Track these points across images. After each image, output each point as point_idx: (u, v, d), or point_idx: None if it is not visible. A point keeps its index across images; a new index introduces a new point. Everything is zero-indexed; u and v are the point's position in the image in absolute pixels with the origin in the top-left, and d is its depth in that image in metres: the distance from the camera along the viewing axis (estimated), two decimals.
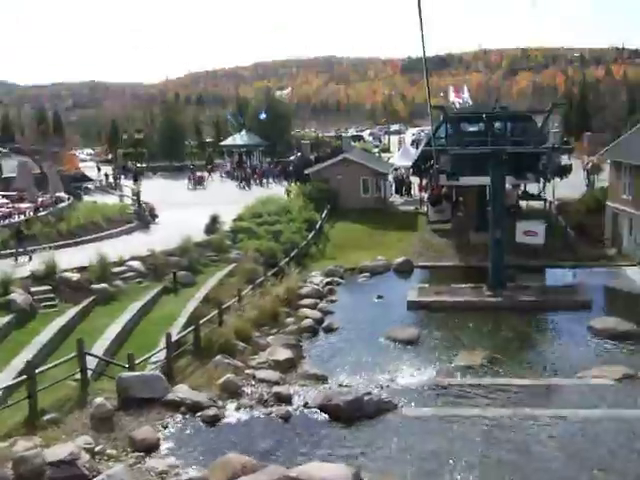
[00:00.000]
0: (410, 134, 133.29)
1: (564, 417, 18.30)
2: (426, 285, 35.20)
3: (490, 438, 17.07)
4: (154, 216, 43.85)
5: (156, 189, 56.21)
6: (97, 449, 15.45)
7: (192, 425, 17.54)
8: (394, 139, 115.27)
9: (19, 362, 19.60)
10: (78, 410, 17.62)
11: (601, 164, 51.05)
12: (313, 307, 31.58)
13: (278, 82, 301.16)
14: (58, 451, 14.24)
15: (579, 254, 40.61)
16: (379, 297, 34.24)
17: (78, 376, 18.82)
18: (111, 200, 53.12)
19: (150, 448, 15.96)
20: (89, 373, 19.07)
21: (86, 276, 27.77)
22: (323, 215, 47.73)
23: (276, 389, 20.69)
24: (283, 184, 62.76)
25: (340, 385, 21.27)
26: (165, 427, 17.31)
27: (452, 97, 67.14)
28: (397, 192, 58.86)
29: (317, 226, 44.83)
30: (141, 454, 15.61)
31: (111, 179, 67.99)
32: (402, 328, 28.63)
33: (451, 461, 15.75)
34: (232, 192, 60.38)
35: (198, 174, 69.65)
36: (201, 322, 23.77)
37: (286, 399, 19.82)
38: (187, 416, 17.95)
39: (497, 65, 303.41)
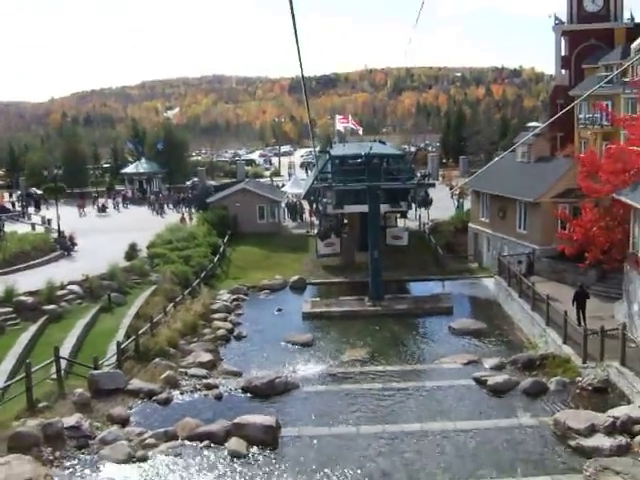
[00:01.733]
0: (299, 156, 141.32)
1: (421, 386, 26.06)
2: (318, 299, 42.75)
3: (366, 400, 24.58)
4: (74, 244, 49.47)
5: (63, 216, 60.45)
6: (87, 423, 21.95)
7: (150, 406, 24.22)
8: (284, 161, 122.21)
9: (5, 368, 25.74)
10: (61, 399, 23.88)
11: (466, 190, 59.93)
12: (224, 320, 38.48)
13: (166, 102, 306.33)
14: (66, 420, 20.77)
15: (447, 268, 49.08)
16: (279, 310, 41.56)
17: (54, 376, 25.13)
18: (21, 229, 56.51)
19: (124, 421, 22.51)
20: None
21: (37, 299, 33.85)
22: (225, 240, 54.59)
23: (205, 381, 27.53)
24: (180, 211, 69.03)
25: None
26: (131, 408, 23.89)
27: (339, 125, 75.24)
28: (290, 217, 66.37)
29: (221, 250, 51.62)
30: (119, 425, 22.17)
31: (18, 207, 72.53)
32: (299, 334, 35.97)
33: (339, 414, 23.10)
34: (138, 219, 65.78)
35: (101, 201, 75.23)
36: (139, 333, 30.35)
37: (215, 386, 26.70)
38: (145, 400, 24.61)
39: (382, 84, 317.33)
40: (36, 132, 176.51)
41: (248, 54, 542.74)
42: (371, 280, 41.63)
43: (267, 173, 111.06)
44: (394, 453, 19.14)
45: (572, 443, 19.16)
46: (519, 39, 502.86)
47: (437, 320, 38.58)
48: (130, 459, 19.02)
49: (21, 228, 57.63)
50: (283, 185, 79.55)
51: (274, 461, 19.01)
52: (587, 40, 77.51)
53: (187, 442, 20.21)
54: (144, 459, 19.07)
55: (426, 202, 43.74)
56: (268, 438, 20.06)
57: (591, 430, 19.56)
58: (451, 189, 69.88)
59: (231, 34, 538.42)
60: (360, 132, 78.86)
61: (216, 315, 39.00)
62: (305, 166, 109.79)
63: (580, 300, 32.40)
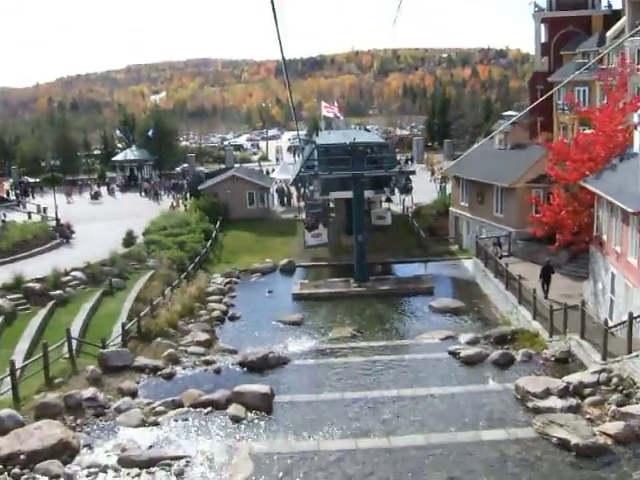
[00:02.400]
0: (286, 139, 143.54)
1: (400, 359, 28.94)
2: (306, 281, 45.61)
3: (351, 371, 27.41)
4: (72, 232, 52.01)
5: (58, 204, 62.45)
6: (101, 395, 24.69)
7: (156, 380, 26.95)
8: (272, 145, 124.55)
9: (21, 349, 28.44)
10: (75, 375, 26.58)
11: (448, 175, 62.68)
12: (219, 302, 41.29)
13: (152, 86, 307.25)
14: (84, 392, 23.52)
15: (429, 250, 51.95)
16: (270, 292, 44.39)
17: (66, 355, 27.82)
18: (18, 218, 58.40)
19: (133, 394, 25.22)
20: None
21: (44, 285, 36.50)
22: (217, 225, 57.28)
23: (204, 358, 30.29)
24: (172, 197, 71.66)
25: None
26: (138, 382, 26.61)
27: (324, 112, 77.64)
28: (279, 202, 69.08)
29: (213, 235, 54.30)
30: (129, 397, 24.90)
31: (12, 196, 74.98)
32: (289, 314, 38.85)
33: (326, 383, 25.97)
34: (131, 206, 68.44)
35: (95, 189, 77.80)
36: (141, 315, 33.07)
37: (213, 362, 29.46)
38: (151, 375, 27.34)
39: (369, 66, 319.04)
40: (22, 119, 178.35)
41: (233, 36, 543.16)
42: (356, 263, 44.42)
43: (255, 158, 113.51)
44: (374, 415, 22.00)
45: (529, 404, 22.01)
46: (505, 19, 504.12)
47: (418, 299, 41.49)
48: (143, 424, 21.76)
49: (18, 217, 59.48)
50: (273, 170, 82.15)
51: (269, 423, 21.83)
52: (566, 27, 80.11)
53: (192, 409, 22.95)
54: (156, 424, 21.83)
55: (407, 189, 46.56)
56: (264, 404, 22.88)
57: (547, 393, 22.41)
58: (432, 174, 72.75)
59: (216, 16, 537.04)
60: (341, 118, 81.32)
61: (211, 297, 41.77)
62: (293, 150, 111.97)
63: (546, 275, 35.81)
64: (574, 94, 67.09)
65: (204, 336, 33.99)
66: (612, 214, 32.89)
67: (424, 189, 63.49)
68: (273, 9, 11.30)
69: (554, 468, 17.78)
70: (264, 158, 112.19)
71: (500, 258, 41.59)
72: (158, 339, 32.12)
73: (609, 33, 71.03)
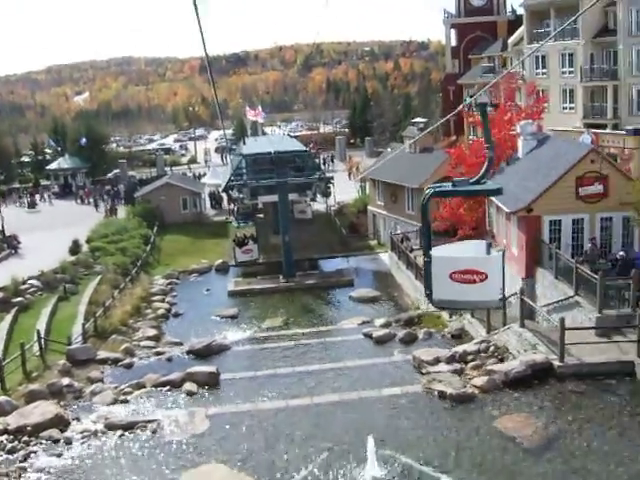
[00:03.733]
0: (214, 139, 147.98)
1: (323, 342, 35.12)
2: (240, 278, 51.52)
3: (282, 353, 33.49)
4: (18, 242, 56.53)
5: None
6: (76, 383, 30.08)
7: (118, 370, 32.46)
8: (200, 146, 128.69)
9: None
10: (48, 369, 31.90)
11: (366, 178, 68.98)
12: (162, 301, 46.84)
13: (75, 86, 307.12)
14: (62, 380, 28.98)
15: (351, 246, 58.26)
16: (207, 290, 50.16)
17: (37, 353, 33.03)
18: None
19: (100, 381, 30.72)
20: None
21: (6, 293, 41.49)
22: (154, 230, 62.48)
23: (155, 350, 35.90)
24: (106, 204, 75.94)
25: None
26: (102, 372, 32.06)
27: (250, 115, 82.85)
28: (211, 206, 74.58)
29: (151, 240, 59.54)
30: (98, 384, 30.32)
31: None
32: (226, 308, 44.65)
33: (262, 363, 31.94)
34: (69, 214, 72.53)
35: (31, 198, 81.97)
36: (97, 316, 38.43)
37: (164, 353, 35.09)
38: (113, 366, 32.85)
39: (292, 62, 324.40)
40: None
41: (155, 34, 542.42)
42: (284, 260, 50.43)
43: (184, 160, 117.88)
44: (301, 383, 28.13)
45: (423, 370, 28.28)
46: (426, 11, 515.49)
47: (341, 291, 47.76)
48: (115, 402, 27.38)
49: None
50: (204, 174, 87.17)
51: (218, 394, 27.79)
52: (473, 32, 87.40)
53: (154, 389, 28.65)
54: (126, 401, 27.48)
55: (327, 193, 52.93)
56: (212, 381, 28.78)
57: (437, 360, 28.71)
58: (350, 174, 79.46)
59: (136, 13, 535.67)
60: (262, 121, 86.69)
61: (155, 298, 47.31)
62: (221, 151, 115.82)
63: None
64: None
65: (153, 332, 39.54)
66: (498, 212, 39.57)
67: (346, 188, 69.86)
68: (195, 5, 11.10)
69: (434, 411, 24.12)
70: (193, 160, 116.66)
71: (410, 251, 47.99)
72: (113, 336, 37.53)
73: (510, 40, 78.27)
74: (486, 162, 11.36)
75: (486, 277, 10.99)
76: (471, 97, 12.38)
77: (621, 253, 32.35)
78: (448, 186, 11.27)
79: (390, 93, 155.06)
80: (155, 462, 21.98)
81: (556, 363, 25.92)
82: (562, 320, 26.20)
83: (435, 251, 11.30)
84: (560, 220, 34.38)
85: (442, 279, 11.11)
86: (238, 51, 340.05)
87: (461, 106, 13.53)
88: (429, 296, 11.44)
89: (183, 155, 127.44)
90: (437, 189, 11.45)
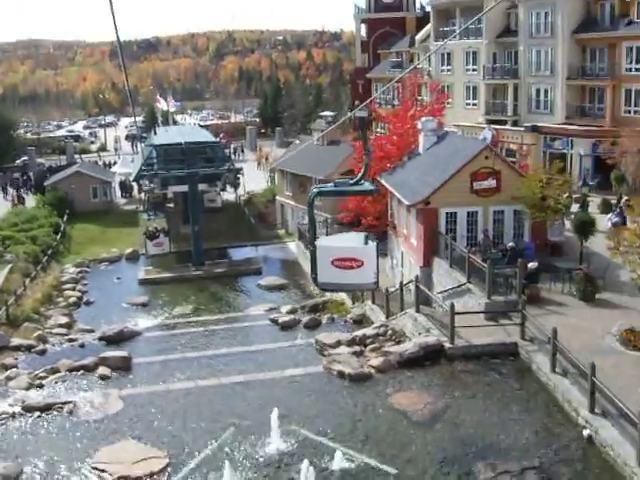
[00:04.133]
0: (124, 127, 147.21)
1: (231, 327, 36.89)
2: (150, 267, 52.63)
3: (191, 339, 35.12)
4: None
5: None
6: None
7: (32, 356, 33.39)
8: (110, 134, 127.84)
9: None
10: None
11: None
12: (73, 289, 47.67)
13: None
14: None
15: (260, 235, 60.03)
16: (118, 278, 51.22)
17: None
18: None
19: (14, 367, 31.67)
20: None
21: None
22: (64, 219, 62.86)
23: (67, 337, 36.95)
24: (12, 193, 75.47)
25: None
26: (16, 359, 32.94)
27: (164, 105, 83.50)
28: (122, 195, 75.10)
29: (62, 229, 59.97)
30: (12, 370, 31.25)
31: None
32: (137, 296, 45.92)
33: (171, 348, 33.48)
34: None
35: None
36: (8, 304, 39.15)
37: (76, 339, 36.19)
38: (26, 352, 33.78)
39: (205, 49, 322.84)
40: None
41: (64, 16, 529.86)
42: (193, 249, 51.85)
43: (94, 148, 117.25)
44: (209, 366, 29.80)
45: (325, 352, 30.31)
46: (339, 2, 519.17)
47: (249, 279, 49.54)
48: (31, 386, 28.40)
49: None
50: (114, 163, 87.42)
51: (131, 377, 29.18)
52: (383, 27, 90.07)
53: (68, 373, 29.76)
54: (41, 386, 28.54)
55: (235, 184, 54.65)
56: (124, 365, 30.15)
57: (338, 343, 30.73)
58: (259, 164, 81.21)
59: None
60: (173, 109, 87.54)
61: (66, 286, 48.11)
62: (131, 138, 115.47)
63: None
64: (390, 89, 76.59)
65: (64, 319, 40.49)
66: (399, 204, 41.89)
67: (256, 178, 71.56)
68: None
69: (333, 389, 26.16)
70: (103, 148, 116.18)
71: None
72: (26, 324, 38.34)
73: (418, 36, 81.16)
74: (364, 167, 13.14)
75: (362, 264, 12.76)
76: (352, 111, 14.27)
77: (511, 244, 35.16)
78: (331, 186, 13.06)
79: (302, 84, 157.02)
80: (72, 440, 23.26)
81: (447, 345, 28.21)
82: (452, 305, 28.57)
83: (319, 241, 13.11)
84: (456, 213, 36.85)
85: (325, 265, 12.84)
86: (150, 37, 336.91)
87: (343, 119, 15.40)
88: (315, 279, 13.17)
89: (93, 142, 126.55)
90: (321, 189, 13.24)
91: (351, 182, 12.79)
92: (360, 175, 12.82)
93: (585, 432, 21.46)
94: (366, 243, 13.10)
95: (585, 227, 33.42)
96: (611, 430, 20.87)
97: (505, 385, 26.06)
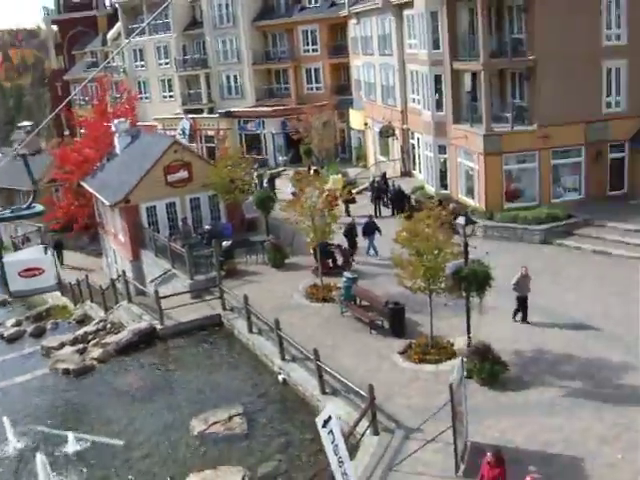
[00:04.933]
0: None
1: None
2: None
3: None
4: None
5: None
6: None
7: None
8: None
9: None
10: None
11: None
12: None
13: None
14: None
15: None
16: None
17: None
18: None
19: None
20: None
21: None
22: None
23: None
24: None
25: None
26: None
27: None
28: None
29: None
30: None
31: None
32: None
33: None
34: None
35: None
36: None
37: None
38: None
39: None
40: None
41: None
42: None
43: None
44: None
45: (51, 356, 32.53)
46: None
47: None
48: None
49: None
50: None
51: None
52: (75, 27, 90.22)
53: None
54: None
55: None
56: None
57: (62, 345, 33.20)
58: None
59: None
60: None
61: None
62: None
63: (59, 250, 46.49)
64: (89, 90, 77.91)
65: None
66: (104, 205, 44.54)
67: None
68: None
69: (60, 386, 28.85)
70: None
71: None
72: None
73: (109, 35, 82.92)
74: (31, 196, 15.75)
75: (44, 271, 15.79)
76: (18, 147, 17.07)
77: (207, 227, 39.29)
78: (9, 212, 15.48)
79: (1, 88, 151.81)
80: None
81: (158, 327, 31.76)
82: (156, 291, 32.21)
83: (6, 257, 15.89)
84: (155, 206, 40.30)
85: (14, 276, 15.51)
86: None
87: (40, 127, 18.12)
88: (7, 290, 15.65)
89: None
90: (2, 217, 15.71)
91: (24, 207, 15.26)
92: (30, 201, 15.32)
93: (280, 377, 25.91)
94: (45, 253, 16.05)
95: (264, 202, 38.17)
96: (299, 371, 25.41)
97: (214, 352, 30.11)
